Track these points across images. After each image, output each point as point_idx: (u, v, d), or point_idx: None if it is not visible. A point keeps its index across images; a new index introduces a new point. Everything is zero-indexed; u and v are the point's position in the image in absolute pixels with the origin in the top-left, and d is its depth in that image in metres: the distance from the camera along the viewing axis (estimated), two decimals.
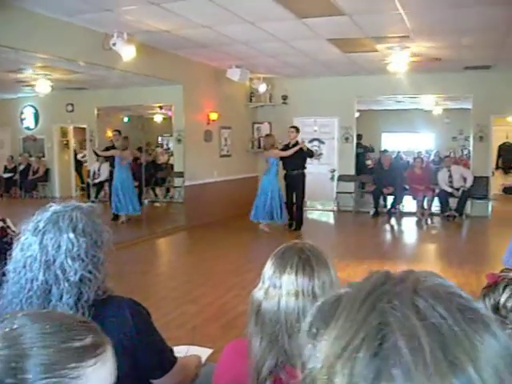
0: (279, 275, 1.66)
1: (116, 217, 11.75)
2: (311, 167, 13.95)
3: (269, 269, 1.70)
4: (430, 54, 10.75)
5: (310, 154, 11.74)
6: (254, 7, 7.61)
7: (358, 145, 15.50)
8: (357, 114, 15.63)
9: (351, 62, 11.87)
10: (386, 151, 15.66)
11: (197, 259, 9.00)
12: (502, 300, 1.71)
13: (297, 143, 11.52)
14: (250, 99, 14.51)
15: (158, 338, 2.17)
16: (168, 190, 14.61)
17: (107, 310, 1.94)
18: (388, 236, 11.45)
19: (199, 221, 11.71)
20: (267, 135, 12.07)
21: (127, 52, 8.81)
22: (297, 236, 10.69)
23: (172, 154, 14.04)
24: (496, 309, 1.73)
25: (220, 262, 8.43)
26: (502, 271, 1.83)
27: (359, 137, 15.92)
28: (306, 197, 14.55)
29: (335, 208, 14.41)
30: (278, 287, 1.65)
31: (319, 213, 14.33)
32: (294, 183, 11.54)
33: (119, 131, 12.26)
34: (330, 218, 14.01)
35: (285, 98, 14.46)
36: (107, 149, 12.37)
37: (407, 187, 13.49)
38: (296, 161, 11.39)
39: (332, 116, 14.23)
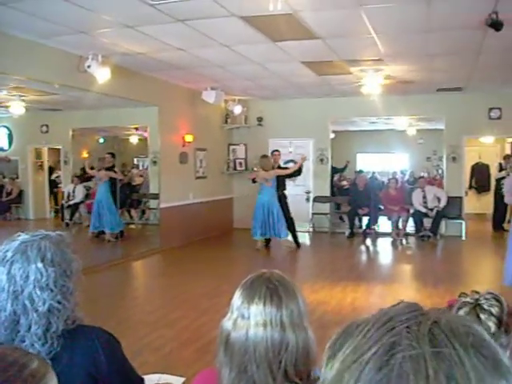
0: (247, 306, 1.66)
1: (98, 235, 11.83)
2: (287, 189, 14.02)
3: (237, 299, 1.71)
4: (403, 77, 10.92)
5: (300, 171, 12.04)
6: (228, 31, 7.67)
7: None
8: (332, 135, 15.76)
9: (325, 84, 11.99)
10: (361, 172, 15.79)
11: (172, 282, 8.95)
12: None
13: (279, 166, 12.00)
14: (226, 121, 14.55)
15: (128, 368, 2.15)
16: (144, 212, 14.53)
17: (76, 340, 1.92)
18: (363, 257, 11.50)
19: (175, 243, 11.67)
20: (264, 156, 12.11)
21: (102, 74, 8.81)
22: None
23: (147, 176, 14.00)
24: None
25: (195, 285, 8.38)
26: (460, 295, 1.85)
27: None
28: None
29: (311, 229, 14.45)
30: (247, 318, 1.65)
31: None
32: (283, 202, 11.77)
33: (111, 153, 12.30)
34: (305, 239, 14.02)
35: (260, 119, 14.54)
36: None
37: (382, 208, 13.58)
38: (283, 181, 11.76)
39: (307, 137, 14.33)
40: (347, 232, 13.67)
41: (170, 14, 6.80)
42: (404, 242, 13.05)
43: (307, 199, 14.29)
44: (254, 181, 11.93)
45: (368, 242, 13.23)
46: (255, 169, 11.88)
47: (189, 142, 12.49)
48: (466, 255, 11.80)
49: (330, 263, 10.66)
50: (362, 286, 8.36)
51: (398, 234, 13.13)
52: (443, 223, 13.46)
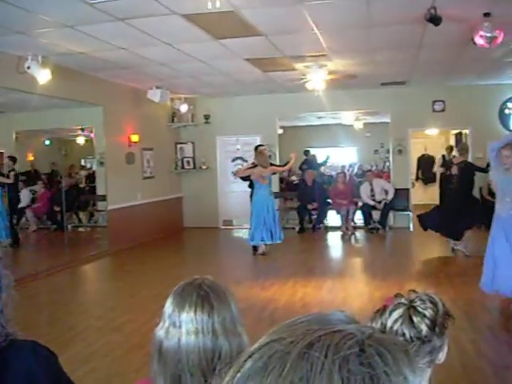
0: (178, 314, 1.63)
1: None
2: (235, 186, 14.01)
3: (168, 307, 1.67)
4: (347, 72, 11.01)
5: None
6: (170, 29, 7.59)
7: None
8: (280, 131, 15.81)
9: (271, 81, 12.00)
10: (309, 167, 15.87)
11: (121, 285, 8.83)
12: (389, 324, 1.74)
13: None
14: (172, 119, 14.43)
15: (65, 381, 2.08)
16: (92, 215, 14.30)
17: (9, 357, 1.84)
18: (313, 252, 11.53)
19: (124, 245, 11.51)
20: (261, 152, 10.94)
21: (42, 75, 8.63)
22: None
23: (95, 177, 13.77)
24: (382, 333, 1.75)
25: (144, 287, 8.27)
26: (395, 295, 1.86)
27: None
28: (233, 215, 14.62)
29: None
30: (178, 326, 1.61)
31: (246, 231, 14.31)
32: None
33: (10, 157, 11.79)
34: None
35: (207, 117, 14.46)
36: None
37: (331, 202, 13.69)
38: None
39: (254, 134, 14.31)
40: (297, 227, 13.73)
41: (110, 12, 6.68)
42: (353, 235, 13.17)
43: None
44: (244, 179, 11.15)
45: (318, 236, 13.31)
46: (241, 166, 11.29)
47: (135, 142, 12.33)
48: (413, 247, 11.99)
49: (280, 259, 10.68)
50: (312, 282, 8.39)
51: (347, 228, 13.26)
52: (391, 215, 13.67)
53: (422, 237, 11.60)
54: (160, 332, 1.66)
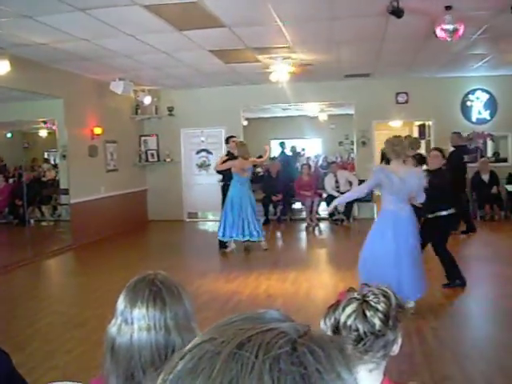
0: (130, 310, 1.60)
1: None
2: (200, 178, 13.96)
3: (120, 303, 1.64)
4: (311, 64, 11.02)
5: None
6: (132, 20, 7.50)
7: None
8: (245, 123, 15.79)
9: (235, 73, 11.96)
10: (274, 158, 15.91)
11: (85, 280, 8.72)
12: (342, 319, 1.74)
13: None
14: (136, 112, 14.28)
15: (17, 379, 2.04)
16: (55, 209, 14.09)
17: None
18: (278, 243, 11.56)
19: (88, 239, 11.37)
20: (243, 144, 10.48)
21: (1, 66, 8.46)
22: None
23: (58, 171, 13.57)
24: (336, 328, 1.76)
25: (109, 281, 8.17)
26: (348, 290, 1.86)
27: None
28: (198, 208, 14.57)
29: None
30: (130, 323, 1.58)
31: (211, 223, 14.29)
32: None
33: None
34: None
35: (171, 109, 14.35)
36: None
37: (295, 193, 13.73)
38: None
39: (219, 126, 14.27)
40: (262, 219, 13.71)
41: (69, 2, 6.56)
42: (318, 226, 13.23)
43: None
44: (220, 172, 10.63)
45: (283, 228, 13.34)
46: (220, 158, 10.73)
47: (98, 135, 12.17)
48: None
49: (243, 252, 10.67)
50: (276, 273, 8.41)
51: (311, 219, 13.31)
52: (356, 206, 13.76)
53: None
54: (112, 329, 1.63)
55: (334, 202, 6.96)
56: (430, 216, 7.27)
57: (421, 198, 6.38)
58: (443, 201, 7.10)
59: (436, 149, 7.76)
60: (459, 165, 10.84)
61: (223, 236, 10.25)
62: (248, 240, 10.25)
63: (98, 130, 12.13)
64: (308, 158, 19.51)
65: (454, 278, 7.22)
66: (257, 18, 7.64)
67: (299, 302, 6.77)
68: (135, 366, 1.56)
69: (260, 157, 11.84)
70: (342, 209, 13.32)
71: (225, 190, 10.48)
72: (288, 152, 17.03)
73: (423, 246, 7.10)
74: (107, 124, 12.51)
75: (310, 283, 7.85)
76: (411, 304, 6.12)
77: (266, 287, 7.65)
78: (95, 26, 7.61)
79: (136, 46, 9.05)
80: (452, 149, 11.38)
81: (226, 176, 10.42)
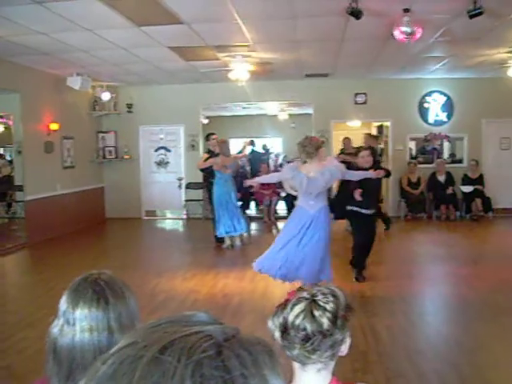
0: (72, 311, 1.56)
1: None
2: (158, 176, 13.87)
3: (63, 303, 1.60)
4: (271, 63, 11.03)
5: None
6: (90, 15, 7.38)
7: None
8: (206, 121, 15.73)
9: (194, 70, 11.90)
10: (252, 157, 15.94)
11: (39, 278, 8.55)
12: (291, 318, 1.74)
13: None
14: (94, 108, 14.08)
15: None
16: (10, 205, 13.81)
17: None
18: (236, 242, 11.49)
19: (43, 237, 11.16)
20: (224, 141, 10.74)
21: None
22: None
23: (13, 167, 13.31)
24: (284, 328, 1.75)
25: (63, 281, 7.94)
26: (298, 289, 1.86)
27: None
28: (156, 206, 14.47)
29: (185, 216, 14.37)
30: (72, 324, 1.54)
31: (170, 221, 14.22)
32: None
33: None
34: (179, 226, 13.93)
35: (130, 106, 14.21)
36: None
37: (254, 192, 13.73)
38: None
39: (178, 124, 14.19)
40: None
41: None
42: (276, 225, 13.25)
43: (179, 186, 14.17)
44: (203, 170, 10.73)
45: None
46: (203, 155, 10.64)
47: (54, 131, 11.95)
48: (334, 236, 12.12)
49: (202, 250, 10.63)
50: (233, 272, 8.39)
51: (269, 218, 13.32)
52: None
53: (343, 225, 11.75)
54: (54, 330, 1.59)
55: (253, 180, 8.41)
56: (368, 212, 7.51)
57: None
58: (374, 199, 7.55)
59: (366, 148, 7.91)
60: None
61: (221, 233, 10.39)
62: (241, 234, 10.65)
63: (54, 126, 11.91)
64: (269, 155, 19.57)
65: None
66: (216, 15, 7.60)
67: (256, 301, 6.77)
68: (77, 368, 1.52)
69: (239, 153, 11.93)
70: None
71: (209, 189, 10.63)
72: (259, 149, 17.12)
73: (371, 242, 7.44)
74: (64, 120, 12.30)
75: (267, 282, 7.82)
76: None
77: (222, 286, 7.63)
78: (53, 19, 7.46)
79: (94, 42, 8.91)
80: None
81: (208, 174, 10.53)
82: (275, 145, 22.90)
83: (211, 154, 10.39)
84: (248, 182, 8.12)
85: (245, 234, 10.83)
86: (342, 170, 6.74)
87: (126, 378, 0.59)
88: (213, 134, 10.97)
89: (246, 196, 13.75)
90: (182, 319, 0.69)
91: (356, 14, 6.92)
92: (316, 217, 6.55)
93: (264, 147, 17.89)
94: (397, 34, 7.59)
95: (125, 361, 0.61)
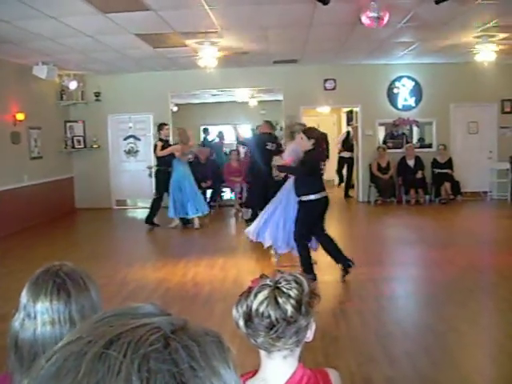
0: (33, 304, 1.52)
1: None
2: (128, 165, 13.74)
3: (23, 296, 1.56)
4: (239, 49, 10.97)
5: None
6: (53, 1, 7.24)
7: None
8: (175, 108, 15.61)
9: (162, 57, 11.78)
10: (204, 145, 15.83)
11: (6, 271, 8.35)
12: (254, 306, 1.73)
13: None
14: (61, 97, 13.86)
15: None
16: None
17: None
18: (206, 230, 11.46)
19: (11, 229, 10.93)
20: (184, 129, 11.37)
21: None
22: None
23: None
24: (248, 316, 1.74)
25: (31, 273, 7.91)
26: (261, 276, 1.84)
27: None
28: (126, 195, 14.34)
29: None
30: (33, 317, 1.51)
31: (140, 211, 14.09)
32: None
33: None
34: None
35: (97, 94, 14.03)
36: None
37: (225, 179, 13.71)
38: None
39: (147, 112, 14.07)
40: None
41: None
42: (246, 212, 13.24)
43: (150, 174, 14.03)
44: (159, 158, 11.28)
45: (212, 214, 13.28)
46: (158, 144, 11.06)
47: (21, 121, 11.72)
48: None
49: (172, 238, 10.59)
50: (204, 260, 8.36)
51: (241, 205, 13.30)
52: None
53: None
54: (15, 323, 1.55)
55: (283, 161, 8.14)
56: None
57: None
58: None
59: (304, 132, 7.45)
60: (262, 150, 11.09)
61: (176, 214, 11.04)
62: (200, 215, 11.21)
63: (20, 116, 11.69)
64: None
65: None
66: (183, 1, 7.52)
67: (227, 289, 6.74)
68: None
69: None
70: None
71: (165, 175, 11.06)
72: (212, 138, 17.02)
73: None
74: (30, 110, 12.07)
75: (238, 269, 7.85)
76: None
77: (193, 274, 7.60)
78: (15, 6, 7.29)
79: (59, 29, 8.74)
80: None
81: (165, 161, 11.04)
82: (242, 132, 22.76)
83: (164, 142, 11.22)
84: (278, 163, 8.69)
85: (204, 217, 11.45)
86: None
87: (69, 376, 0.56)
88: (165, 124, 11.92)
89: (216, 183, 13.72)
90: (129, 312, 0.67)
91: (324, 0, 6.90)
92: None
93: (219, 135, 17.65)
94: (364, 19, 7.61)
95: (69, 358, 0.59)
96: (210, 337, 0.63)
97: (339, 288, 6.90)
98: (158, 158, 11.28)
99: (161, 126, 11.54)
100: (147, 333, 0.59)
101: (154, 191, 11.62)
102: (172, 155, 10.87)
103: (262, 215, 7.85)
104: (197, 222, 11.18)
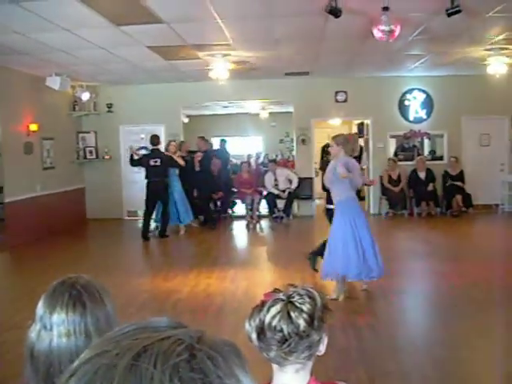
0: (49, 315, 1.54)
1: None
2: (139, 176, 13.75)
3: (40, 308, 1.58)
4: (251, 61, 11.02)
5: None
6: (67, 14, 7.30)
7: None
8: (186, 120, 15.67)
9: (174, 69, 11.86)
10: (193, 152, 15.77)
11: (18, 281, 8.48)
12: (267, 320, 1.74)
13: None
14: (74, 108, 13.97)
15: None
16: None
17: None
18: (218, 242, 11.49)
19: (23, 239, 11.00)
20: (182, 141, 13.22)
21: None
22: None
23: None
24: (261, 330, 1.75)
25: (43, 283, 7.87)
26: (274, 290, 1.85)
27: None
28: (137, 206, 14.37)
29: None
30: (49, 329, 1.53)
31: (151, 222, 14.11)
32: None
33: None
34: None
35: (110, 106, 14.12)
36: None
37: (236, 191, 13.73)
38: None
39: (159, 123, 14.12)
40: (201, 218, 13.60)
41: None
42: (258, 223, 13.26)
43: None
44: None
45: (223, 225, 13.31)
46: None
47: (34, 131, 11.82)
48: (316, 234, 12.17)
49: (184, 250, 10.61)
50: (215, 272, 8.38)
51: (251, 217, 13.33)
52: (295, 204, 13.86)
53: (324, 225, 11.78)
54: (32, 334, 1.57)
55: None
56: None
57: None
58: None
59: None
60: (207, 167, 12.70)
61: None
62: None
63: (33, 127, 11.79)
64: (248, 156, 19.49)
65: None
66: (196, 14, 7.57)
67: (238, 301, 6.75)
68: (55, 374, 1.51)
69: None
70: (281, 206, 13.41)
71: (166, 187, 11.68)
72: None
73: None
74: (44, 120, 12.18)
75: (249, 281, 7.86)
76: None
77: (205, 286, 7.61)
78: (30, 19, 7.37)
79: (73, 41, 8.83)
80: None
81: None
82: (251, 144, 22.71)
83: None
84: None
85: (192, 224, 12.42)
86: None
87: None
88: (183, 141, 13.42)
89: (227, 195, 13.74)
90: (148, 325, 0.69)
91: (335, 12, 6.92)
92: None
93: (223, 141, 16.82)
94: (376, 32, 7.62)
95: (98, 370, 0.61)
96: (227, 346, 0.67)
97: (349, 300, 6.89)
98: (166, 170, 11.70)
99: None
100: (173, 344, 0.62)
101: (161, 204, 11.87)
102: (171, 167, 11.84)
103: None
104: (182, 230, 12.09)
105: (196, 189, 12.98)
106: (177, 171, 12.03)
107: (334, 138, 6.94)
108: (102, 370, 0.60)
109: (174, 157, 11.72)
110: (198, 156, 12.52)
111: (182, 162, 11.79)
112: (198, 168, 12.57)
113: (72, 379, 0.62)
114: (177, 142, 12.82)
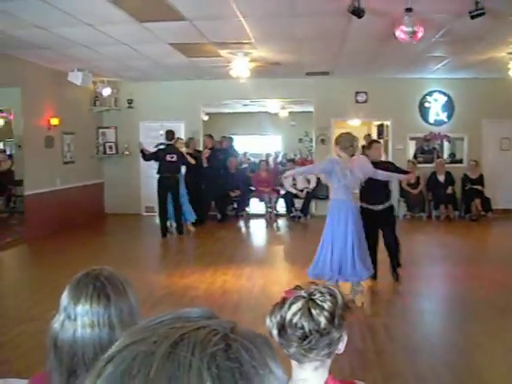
0: (74, 306, 1.57)
1: None
2: (153, 172, 13.83)
3: (64, 299, 1.61)
4: (272, 60, 11.03)
5: None
6: (91, 10, 7.36)
7: None
8: (206, 117, 15.69)
9: (195, 67, 11.89)
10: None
11: (37, 273, 8.55)
12: (288, 317, 1.75)
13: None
14: (94, 103, 14.07)
15: None
16: (9, 200, 13.78)
17: None
18: (235, 239, 11.52)
19: (42, 232, 11.13)
20: (190, 138, 13.35)
21: None
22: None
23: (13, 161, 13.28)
24: (282, 326, 1.76)
25: (61, 276, 7.96)
26: (295, 287, 1.86)
27: None
28: (155, 202, 14.44)
29: None
30: (73, 319, 1.55)
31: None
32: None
33: None
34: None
35: (130, 101, 14.20)
36: None
37: (253, 189, 13.75)
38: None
39: (178, 120, 14.17)
40: (219, 215, 13.64)
41: None
42: (276, 222, 13.27)
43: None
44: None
45: (240, 224, 13.33)
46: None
47: (55, 126, 11.93)
48: None
49: (200, 247, 10.64)
50: (232, 269, 8.40)
51: (269, 216, 13.34)
52: (313, 203, 13.84)
53: None
54: (55, 325, 1.60)
55: (288, 173, 8.62)
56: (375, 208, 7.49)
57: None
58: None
59: (378, 141, 7.96)
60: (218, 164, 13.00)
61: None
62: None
63: (55, 121, 11.90)
64: (267, 155, 19.52)
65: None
66: (219, 12, 7.59)
67: (255, 298, 6.78)
68: (78, 363, 1.53)
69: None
70: (299, 205, 13.40)
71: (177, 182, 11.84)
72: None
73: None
74: (65, 115, 12.29)
75: (266, 279, 7.87)
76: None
77: (221, 283, 7.64)
78: (54, 14, 7.43)
79: (95, 37, 8.90)
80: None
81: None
82: (269, 143, 22.70)
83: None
84: (288, 174, 8.89)
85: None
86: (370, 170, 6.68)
87: (141, 374, 0.60)
88: (192, 138, 13.48)
89: (245, 193, 13.75)
90: (183, 315, 0.71)
91: (358, 12, 6.91)
92: None
93: (230, 139, 16.51)
94: (398, 33, 7.59)
95: (137, 357, 0.62)
96: (260, 338, 0.69)
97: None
98: (179, 166, 11.94)
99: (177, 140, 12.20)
100: (208, 334, 0.64)
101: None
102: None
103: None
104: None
105: (204, 185, 13.15)
106: (183, 170, 12.13)
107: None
108: (140, 357, 0.62)
109: (185, 154, 11.80)
110: (206, 153, 12.75)
111: (192, 161, 11.82)
112: (205, 164, 12.70)
113: (109, 365, 0.63)
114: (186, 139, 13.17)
